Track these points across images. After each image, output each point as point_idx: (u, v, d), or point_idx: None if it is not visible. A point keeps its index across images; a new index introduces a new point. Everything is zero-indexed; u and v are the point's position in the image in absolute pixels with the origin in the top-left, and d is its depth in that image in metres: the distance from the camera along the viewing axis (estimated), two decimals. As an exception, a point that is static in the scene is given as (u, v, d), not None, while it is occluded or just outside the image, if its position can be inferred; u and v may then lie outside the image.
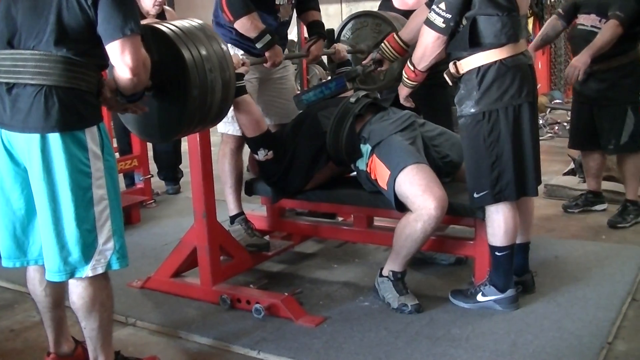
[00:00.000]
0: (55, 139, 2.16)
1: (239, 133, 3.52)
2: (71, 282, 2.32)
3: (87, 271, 2.28)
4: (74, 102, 2.18)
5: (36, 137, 2.16)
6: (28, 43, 2.17)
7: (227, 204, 3.60)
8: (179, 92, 2.59)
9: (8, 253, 2.40)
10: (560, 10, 4.56)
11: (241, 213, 3.64)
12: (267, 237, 3.75)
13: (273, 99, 3.67)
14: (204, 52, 2.64)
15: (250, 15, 3.29)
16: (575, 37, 4.39)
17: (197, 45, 2.63)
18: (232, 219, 3.63)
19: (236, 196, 3.63)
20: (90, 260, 2.27)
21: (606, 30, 4.05)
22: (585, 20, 4.28)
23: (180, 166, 5.75)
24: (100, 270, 2.30)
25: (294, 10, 3.69)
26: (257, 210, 4.13)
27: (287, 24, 3.68)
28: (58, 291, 2.51)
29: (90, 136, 2.22)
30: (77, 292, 2.33)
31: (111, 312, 2.45)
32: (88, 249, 2.26)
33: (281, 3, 3.53)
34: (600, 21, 4.16)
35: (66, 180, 2.18)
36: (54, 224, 2.21)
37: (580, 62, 4.10)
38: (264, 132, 3.30)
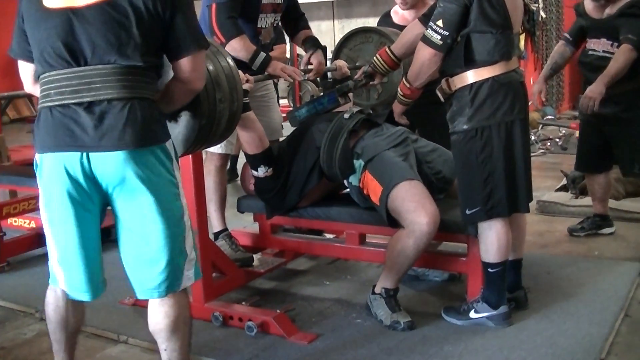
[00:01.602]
0: (152, 152, 2.10)
1: (222, 151, 3.57)
2: (153, 302, 2.24)
3: (184, 282, 2.24)
4: (159, 114, 2.15)
5: (133, 153, 2.05)
6: (106, 57, 2.05)
7: (211, 220, 3.60)
8: (188, 117, 2.50)
9: (79, 286, 2.24)
10: (567, 36, 4.34)
11: (225, 229, 3.67)
12: (259, 254, 3.75)
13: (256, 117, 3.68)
14: (213, 71, 2.55)
15: (242, 36, 3.31)
16: (587, 63, 4.15)
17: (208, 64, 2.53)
18: (216, 236, 3.65)
19: (220, 213, 3.68)
20: (183, 272, 2.23)
21: (620, 56, 3.83)
22: (596, 45, 4.08)
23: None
24: (191, 281, 2.27)
25: (275, 34, 3.71)
26: (249, 227, 4.12)
27: (268, 46, 3.69)
28: (79, 318, 2.41)
29: (171, 147, 2.19)
30: (163, 311, 2.23)
31: (191, 333, 2.37)
32: (183, 260, 2.22)
33: (263, 26, 3.56)
34: (612, 45, 3.96)
35: (164, 194, 2.13)
36: (157, 239, 2.14)
37: (595, 92, 3.84)
38: (266, 149, 3.29)
